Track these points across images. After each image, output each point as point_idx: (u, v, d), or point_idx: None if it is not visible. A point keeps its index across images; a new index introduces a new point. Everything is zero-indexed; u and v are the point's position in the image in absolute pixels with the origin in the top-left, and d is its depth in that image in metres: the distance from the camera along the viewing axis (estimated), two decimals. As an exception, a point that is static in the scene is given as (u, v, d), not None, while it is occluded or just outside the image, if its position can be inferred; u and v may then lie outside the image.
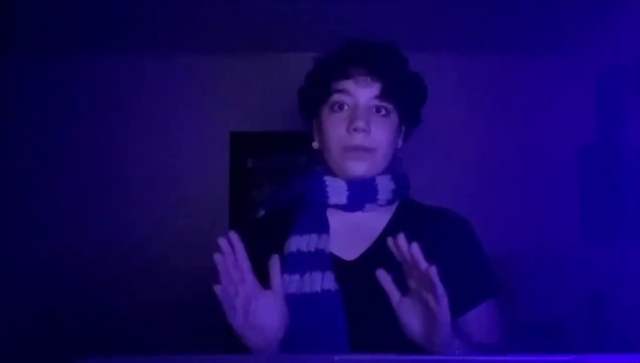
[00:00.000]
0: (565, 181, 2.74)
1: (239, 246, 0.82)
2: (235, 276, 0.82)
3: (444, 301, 0.76)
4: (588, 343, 2.47)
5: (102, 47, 2.73)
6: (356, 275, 0.95)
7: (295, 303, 0.91)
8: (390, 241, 0.80)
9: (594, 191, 2.66)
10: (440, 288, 0.76)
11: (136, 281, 2.70)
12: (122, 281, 2.71)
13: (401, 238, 0.78)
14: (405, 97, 1.02)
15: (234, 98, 2.86)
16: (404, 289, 0.91)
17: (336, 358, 0.62)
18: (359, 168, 0.99)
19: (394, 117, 1.02)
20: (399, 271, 0.95)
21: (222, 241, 0.81)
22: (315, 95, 1.04)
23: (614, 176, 2.48)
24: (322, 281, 0.93)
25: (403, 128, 1.07)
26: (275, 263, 0.85)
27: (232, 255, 0.82)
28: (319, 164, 1.08)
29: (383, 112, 1.00)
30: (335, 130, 0.99)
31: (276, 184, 2.87)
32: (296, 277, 0.94)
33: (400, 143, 1.06)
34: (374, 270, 0.91)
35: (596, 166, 2.66)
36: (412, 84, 1.04)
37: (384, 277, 0.83)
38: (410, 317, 0.82)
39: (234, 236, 0.82)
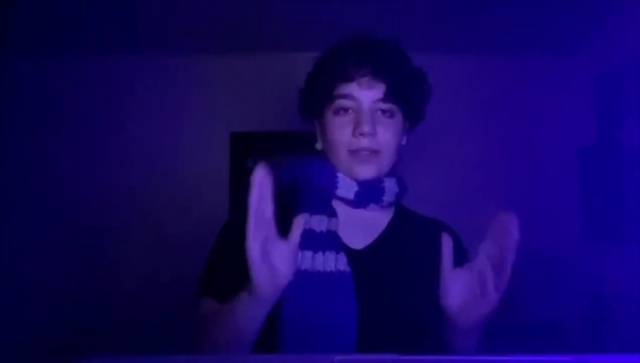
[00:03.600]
0: (565, 181, 2.74)
1: (267, 186, 0.77)
2: (260, 214, 0.77)
3: (502, 288, 0.77)
4: (588, 343, 2.47)
5: (102, 48, 2.73)
6: (366, 262, 0.97)
7: (307, 280, 0.91)
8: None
9: (594, 192, 2.66)
10: (507, 275, 0.77)
11: (136, 281, 2.70)
12: (122, 281, 2.71)
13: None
14: (410, 96, 1.02)
15: (234, 98, 2.86)
16: (406, 279, 0.93)
17: (336, 358, 0.62)
18: (366, 171, 0.99)
19: (399, 117, 1.02)
20: (403, 266, 0.97)
21: (254, 177, 0.76)
22: (318, 98, 1.03)
23: (614, 177, 2.48)
24: (336, 262, 0.93)
25: (407, 124, 1.06)
26: (299, 220, 0.83)
27: (262, 191, 0.76)
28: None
29: (388, 114, 1.00)
30: (341, 134, 0.99)
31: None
32: (309, 254, 0.94)
33: (405, 140, 1.07)
34: (382, 260, 0.95)
35: (596, 167, 2.66)
36: (416, 82, 1.04)
37: (446, 241, 0.84)
38: (458, 288, 0.82)
39: (262, 172, 0.76)
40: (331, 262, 0.93)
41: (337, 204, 1.03)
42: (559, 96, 2.78)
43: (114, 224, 2.76)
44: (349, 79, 0.99)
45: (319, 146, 1.06)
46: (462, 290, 0.82)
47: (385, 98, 0.99)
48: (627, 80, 2.40)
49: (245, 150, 2.93)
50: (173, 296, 2.67)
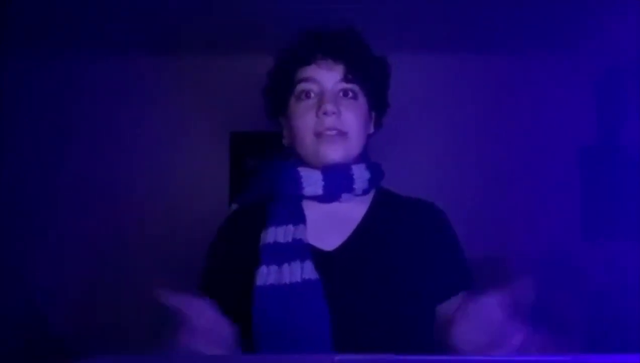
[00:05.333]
0: (565, 181, 2.74)
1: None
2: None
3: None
4: (588, 343, 2.47)
5: (101, 48, 2.73)
6: (336, 265, 0.94)
7: (274, 294, 0.90)
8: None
9: (594, 191, 2.66)
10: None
11: (135, 281, 2.70)
12: (121, 282, 2.70)
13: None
14: (369, 79, 1.02)
15: (234, 98, 2.86)
16: (383, 274, 0.92)
17: (336, 358, 0.62)
18: (333, 153, 0.98)
19: (362, 100, 1.02)
20: (379, 261, 0.96)
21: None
22: (281, 88, 1.04)
23: (614, 177, 2.48)
24: (302, 271, 0.91)
25: (373, 114, 1.07)
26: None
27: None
28: (292, 157, 1.06)
29: (350, 95, 1.00)
30: (305, 117, 0.99)
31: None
32: (274, 268, 0.92)
33: (372, 128, 1.06)
34: (354, 260, 0.94)
35: (596, 167, 2.66)
36: (375, 65, 1.04)
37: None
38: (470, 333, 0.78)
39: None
40: (297, 272, 0.91)
41: (308, 205, 1.01)
42: (559, 95, 2.77)
43: (113, 224, 2.76)
44: (308, 62, 1.00)
45: (285, 141, 1.06)
46: (474, 333, 0.78)
47: (346, 78, 0.99)
48: (627, 80, 2.40)
49: (245, 150, 2.92)
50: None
